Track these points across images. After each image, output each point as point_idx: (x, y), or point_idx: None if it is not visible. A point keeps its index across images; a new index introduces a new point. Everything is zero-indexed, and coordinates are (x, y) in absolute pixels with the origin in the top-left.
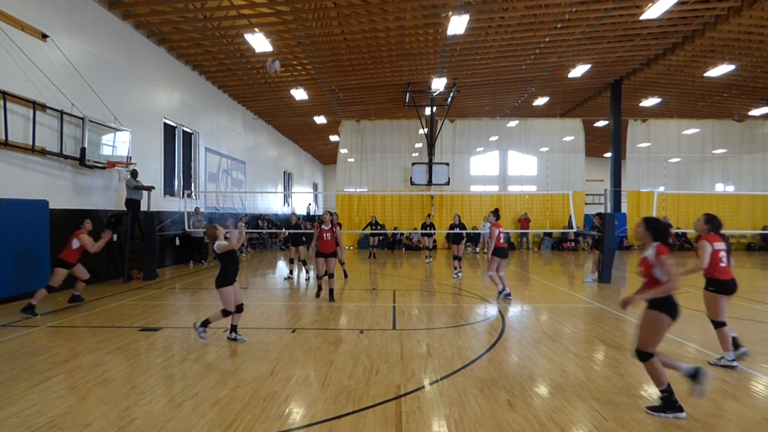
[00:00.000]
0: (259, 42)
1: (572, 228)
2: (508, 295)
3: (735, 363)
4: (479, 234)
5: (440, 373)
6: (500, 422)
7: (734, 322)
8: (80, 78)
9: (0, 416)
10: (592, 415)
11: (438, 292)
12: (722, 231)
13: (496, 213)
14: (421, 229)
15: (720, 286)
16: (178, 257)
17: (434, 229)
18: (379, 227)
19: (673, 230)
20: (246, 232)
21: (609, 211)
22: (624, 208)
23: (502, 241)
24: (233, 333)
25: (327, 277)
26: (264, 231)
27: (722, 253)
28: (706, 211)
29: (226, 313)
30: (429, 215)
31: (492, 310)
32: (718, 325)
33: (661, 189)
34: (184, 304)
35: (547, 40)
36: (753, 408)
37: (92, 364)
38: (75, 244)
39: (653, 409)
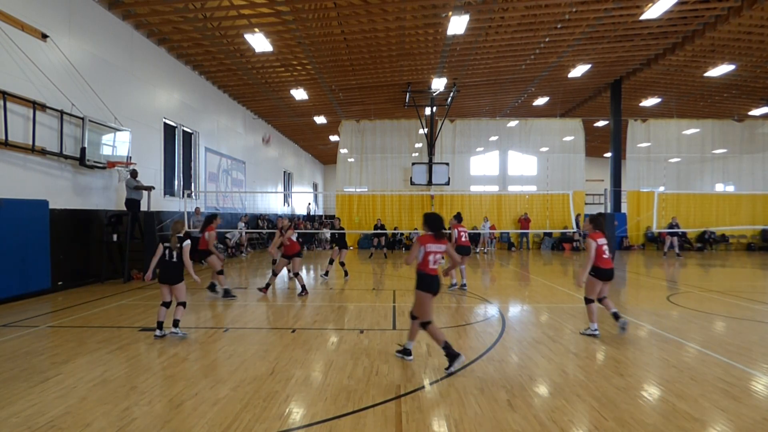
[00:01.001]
0: (259, 42)
1: (577, 228)
2: (464, 286)
3: (597, 332)
4: (479, 234)
5: (440, 373)
6: (500, 422)
7: (734, 322)
8: (80, 78)
9: (0, 416)
10: (592, 415)
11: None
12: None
13: (458, 217)
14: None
15: (600, 273)
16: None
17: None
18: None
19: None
20: (246, 232)
21: (609, 211)
22: (624, 208)
23: (463, 239)
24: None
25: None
26: (264, 231)
27: (605, 247)
28: (707, 210)
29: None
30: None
31: (492, 310)
32: (588, 301)
33: (661, 189)
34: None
35: (547, 40)
36: (753, 408)
37: (92, 364)
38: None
39: (448, 368)
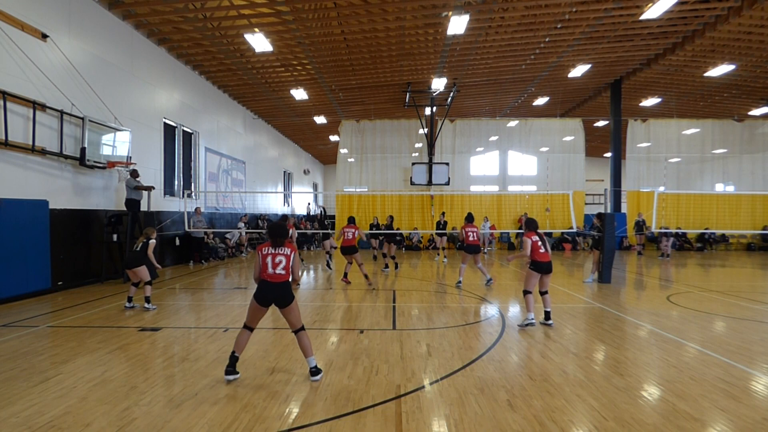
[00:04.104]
0: (259, 42)
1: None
2: (459, 284)
3: (533, 321)
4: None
5: (440, 373)
6: (500, 422)
7: (734, 322)
8: (80, 78)
9: (0, 416)
10: (592, 415)
11: (438, 292)
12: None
13: (468, 217)
14: (436, 228)
15: (538, 266)
16: (178, 257)
17: (446, 228)
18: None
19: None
20: (246, 232)
21: (609, 211)
22: (624, 208)
23: (471, 238)
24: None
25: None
26: (264, 231)
27: (539, 243)
28: (707, 210)
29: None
30: (443, 213)
31: (492, 310)
32: (526, 293)
33: (661, 189)
34: (184, 304)
35: (547, 40)
36: (753, 408)
37: (92, 364)
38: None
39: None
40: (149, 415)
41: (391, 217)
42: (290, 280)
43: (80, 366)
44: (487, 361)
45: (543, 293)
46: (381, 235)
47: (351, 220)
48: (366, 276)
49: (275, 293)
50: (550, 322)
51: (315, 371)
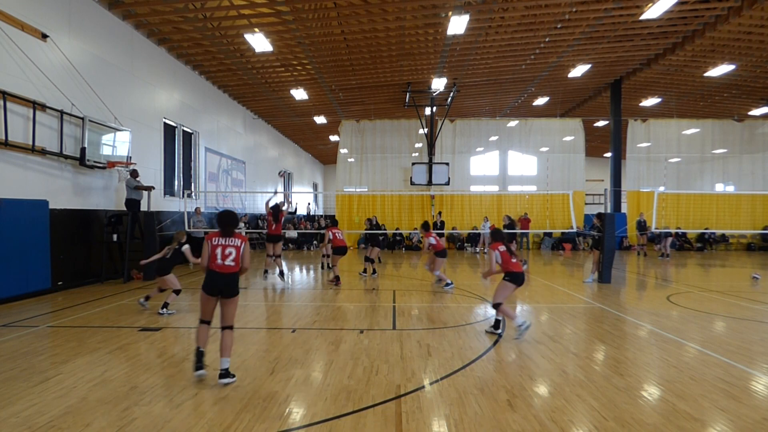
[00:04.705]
0: (259, 42)
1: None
2: (446, 283)
3: (526, 323)
4: (479, 234)
5: (440, 373)
6: (500, 422)
7: (734, 322)
8: (80, 78)
9: (0, 416)
10: (592, 415)
11: (438, 292)
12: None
13: (424, 225)
14: (432, 229)
15: (514, 277)
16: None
17: (443, 228)
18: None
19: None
20: (246, 232)
21: (609, 211)
22: (624, 208)
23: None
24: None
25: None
26: (264, 231)
27: (508, 253)
28: (707, 210)
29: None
30: (439, 213)
31: (492, 310)
32: (497, 305)
33: (661, 189)
34: (184, 304)
35: (547, 40)
36: (753, 408)
37: (92, 364)
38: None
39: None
40: (149, 415)
41: (375, 218)
42: (239, 271)
43: (80, 366)
44: (487, 361)
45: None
46: (381, 236)
47: (335, 222)
48: (337, 277)
49: (222, 283)
50: (499, 330)
51: (225, 374)
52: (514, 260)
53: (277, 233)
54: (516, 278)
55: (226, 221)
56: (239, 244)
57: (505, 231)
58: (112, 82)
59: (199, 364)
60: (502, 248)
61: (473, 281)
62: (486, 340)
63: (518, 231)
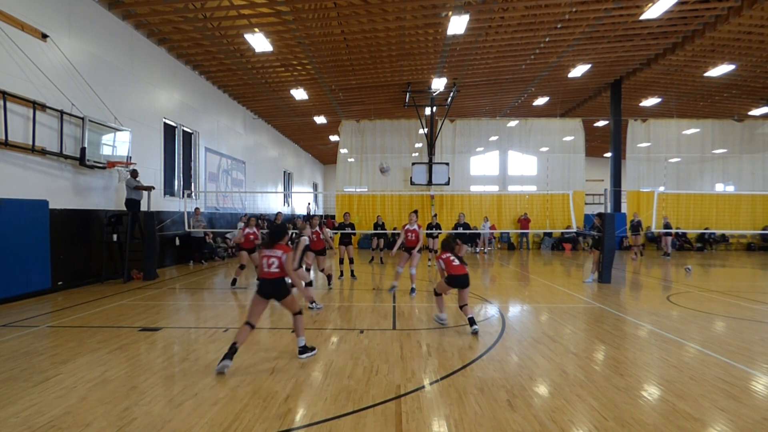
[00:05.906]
0: (259, 42)
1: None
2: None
3: (445, 321)
4: (479, 234)
5: (440, 373)
6: (500, 422)
7: (734, 321)
8: (80, 78)
9: (0, 416)
10: (592, 415)
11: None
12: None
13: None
14: (426, 229)
15: (451, 279)
16: (178, 257)
17: (440, 229)
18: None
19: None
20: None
21: (609, 211)
22: (624, 208)
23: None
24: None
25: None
26: (264, 231)
27: (451, 258)
28: (707, 210)
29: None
30: (435, 215)
31: (492, 310)
32: (437, 294)
33: (661, 189)
34: (184, 305)
35: (547, 40)
36: (753, 408)
37: (92, 364)
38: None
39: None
40: (149, 415)
41: (347, 214)
42: (283, 276)
43: (80, 366)
44: (487, 361)
45: (461, 307)
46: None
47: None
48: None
49: (270, 288)
50: (475, 327)
51: (302, 350)
52: (455, 263)
53: (321, 247)
54: (453, 280)
55: (271, 235)
56: (280, 255)
57: (464, 231)
58: (112, 82)
59: (228, 356)
60: (446, 255)
61: (473, 282)
62: (486, 340)
63: (481, 231)
